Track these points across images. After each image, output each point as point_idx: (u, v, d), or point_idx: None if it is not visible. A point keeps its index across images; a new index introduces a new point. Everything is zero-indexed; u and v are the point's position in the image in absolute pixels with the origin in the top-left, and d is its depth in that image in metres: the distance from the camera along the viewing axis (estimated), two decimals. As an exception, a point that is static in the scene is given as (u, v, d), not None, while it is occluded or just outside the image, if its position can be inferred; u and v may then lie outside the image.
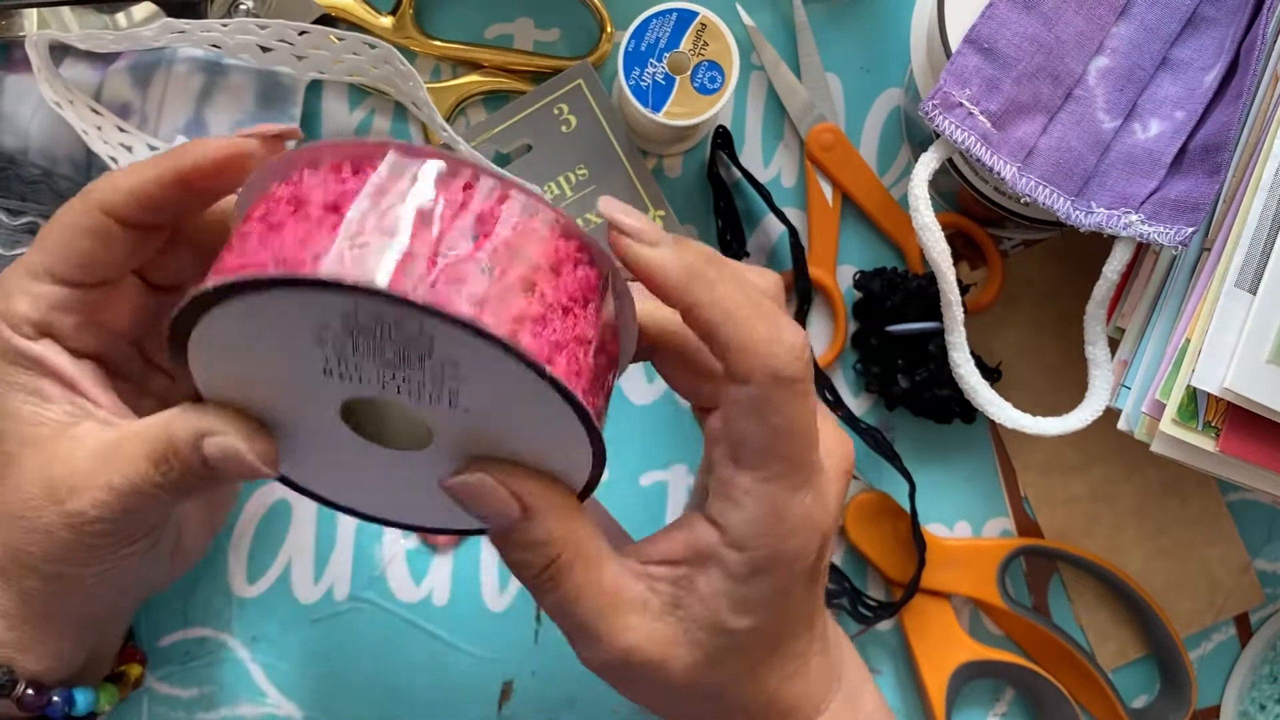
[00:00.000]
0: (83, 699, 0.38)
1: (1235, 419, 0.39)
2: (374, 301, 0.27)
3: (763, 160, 0.50)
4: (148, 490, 0.32)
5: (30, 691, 0.36)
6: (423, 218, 0.28)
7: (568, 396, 0.28)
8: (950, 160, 0.44)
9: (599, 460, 0.31)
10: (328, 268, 0.27)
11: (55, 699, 0.36)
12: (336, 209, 0.28)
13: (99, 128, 0.44)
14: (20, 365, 0.33)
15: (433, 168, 0.28)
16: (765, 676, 0.34)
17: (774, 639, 0.34)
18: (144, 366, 0.38)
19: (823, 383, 0.48)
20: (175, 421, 0.32)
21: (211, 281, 0.28)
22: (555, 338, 0.28)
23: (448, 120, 0.48)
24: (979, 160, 0.41)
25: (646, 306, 0.33)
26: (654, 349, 0.34)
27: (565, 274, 0.29)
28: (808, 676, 0.35)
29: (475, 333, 0.27)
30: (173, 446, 0.31)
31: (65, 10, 0.46)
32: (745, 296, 0.30)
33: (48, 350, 0.33)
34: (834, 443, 0.35)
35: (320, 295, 0.27)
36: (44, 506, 0.33)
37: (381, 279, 0.27)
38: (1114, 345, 0.43)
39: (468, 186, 0.29)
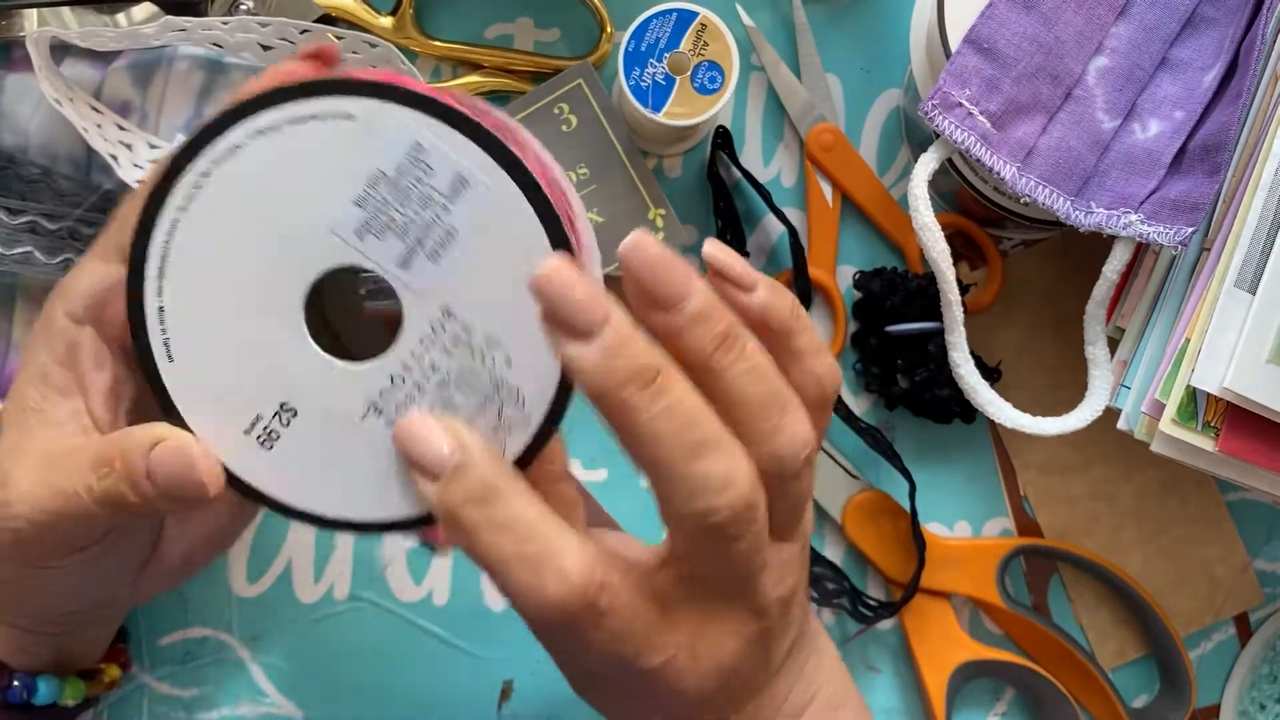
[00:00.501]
0: (45, 687, 0.37)
1: (1235, 419, 0.39)
2: (448, 128, 0.27)
3: (763, 160, 0.50)
4: (81, 499, 0.31)
5: None
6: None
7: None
8: (950, 160, 0.44)
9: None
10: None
11: (15, 683, 0.36)
12: None
13: (99, 126, 0.44)
14: (51, 345, 0.33)
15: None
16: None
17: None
18: None
19: (823, 382, 0.48)
20: (130, 431, 0.30)
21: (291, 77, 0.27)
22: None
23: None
24: (979, 160, 0.41)
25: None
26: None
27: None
28: (763, 698, 0.33)
29: (512, 166, 0.27)
30: (117, 450, 0.30)
31: (65, 11, 0.46)
32: (668, 422, 0.26)
33: (83, 338, 0.33)
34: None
35: (423, 115, 0.27)
36: None
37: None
38: (1114, 345, 0.43)
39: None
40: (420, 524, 0.31)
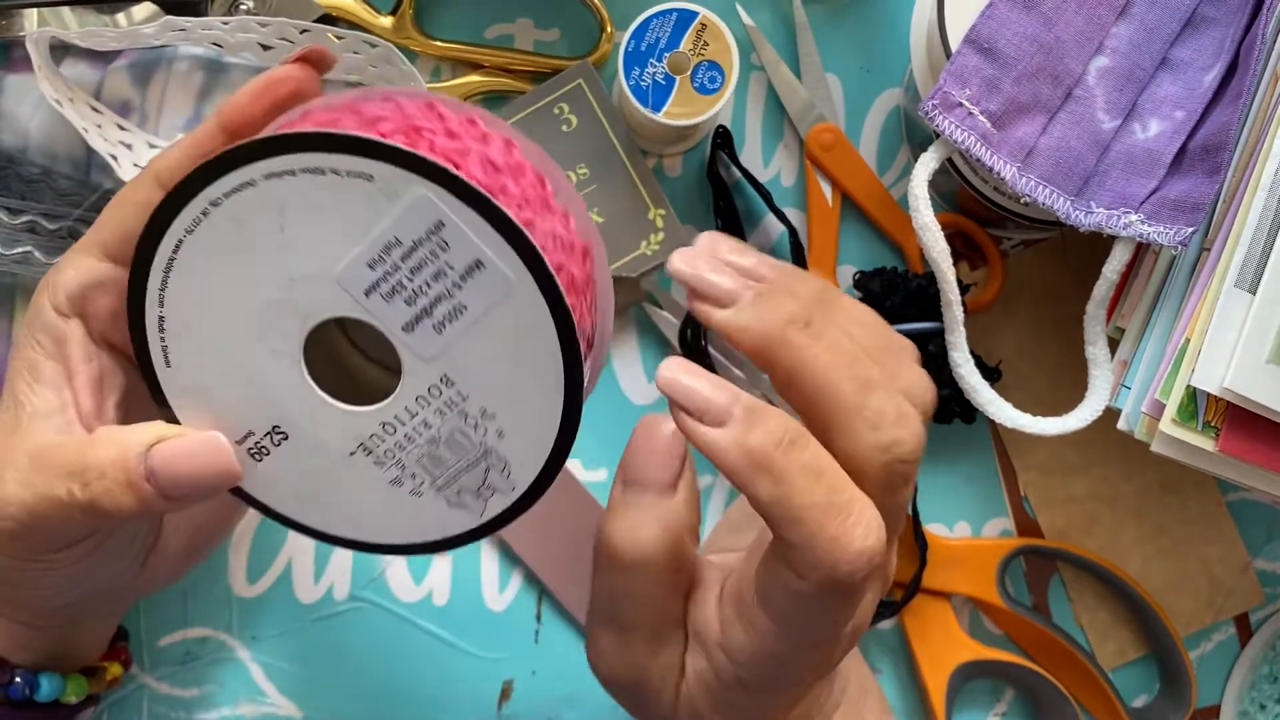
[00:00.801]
0: (47, 684, 0.37)
1: (1235, 419, 0.39)
2: (462, 204, 0.27)
3: (763, 160, 0.50)
4: (61, 500, 0.30)
5: None
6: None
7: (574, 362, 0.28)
8: (950, 160, 0.44)
9: (571, 421, 0.29)
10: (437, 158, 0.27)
11: (17, 679, 0.36)
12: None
13: (99, 126, 0.44)
14: (38, 338, 0.33)
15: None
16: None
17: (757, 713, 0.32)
18: None
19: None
20: (120, 430, 0.30)
21: (302, 126, 0.27)
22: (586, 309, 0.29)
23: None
24: (979, 160, 0.41)
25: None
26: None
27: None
28: (805, 702, 0.34)
29: (532, 261, 0.27)
30: (108, 456, 0.30)
31: (65, 11, 0.46)
32: (812, 493, 0.26)
33: (71, 331, 0.32)
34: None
35: (447, 194, 0.27)
36: None
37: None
38: (1114, 345, 0.43)
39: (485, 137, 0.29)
40: (397, 551, 0.31)
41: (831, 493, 0.26)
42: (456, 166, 0.28)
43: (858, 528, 0.26)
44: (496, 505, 0.30)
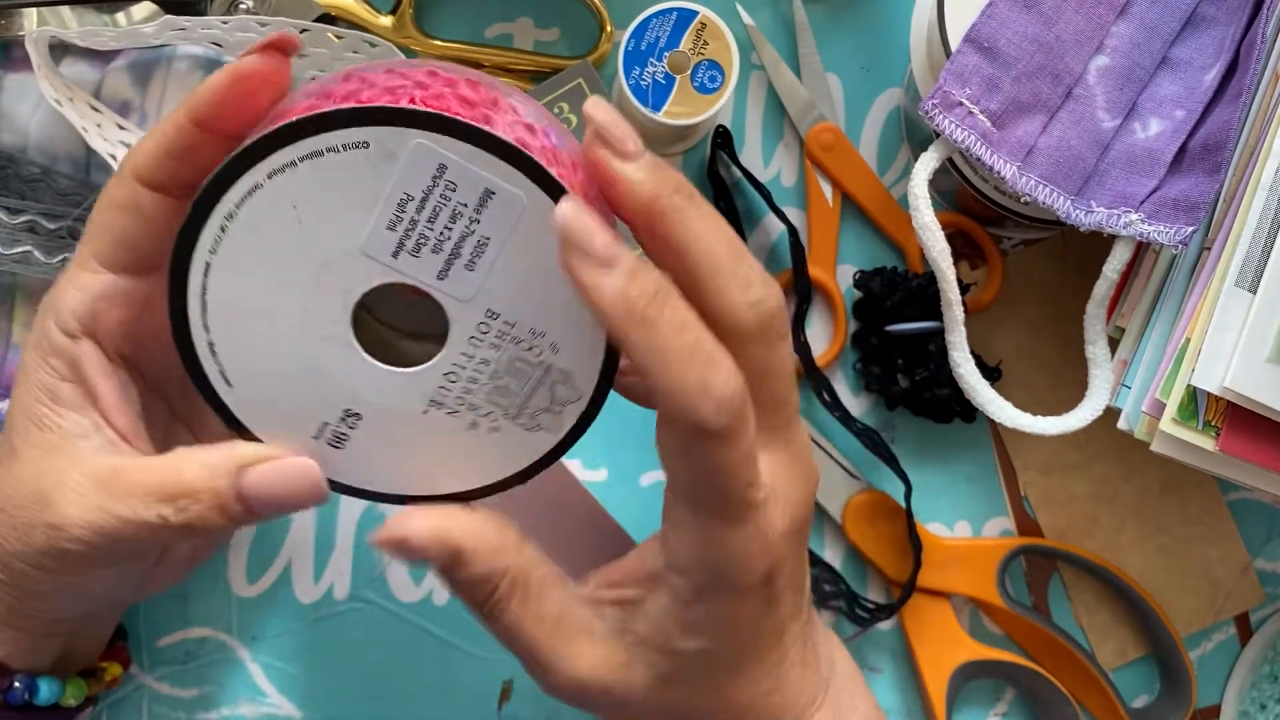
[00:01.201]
0: (46, 688, 0.37)
1: (1235, 418, 0.39)
2: (479, 149, 0.28)
3: (763, 160, 0.50)
4: (151, 524, 0.31)
5: None
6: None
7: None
8: (950, 160, 0.44)
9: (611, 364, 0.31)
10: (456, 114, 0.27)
11: (16, 684, 0.36)
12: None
13: (99, 125, 0.44)
14: (51, 363, 0.33)
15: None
16: (734, 694, 0.34)
17: (733, 658, 0.33)
18: (182, 395, 0.37)
19: (822, 383, 0.48)
20: (203, 453, 0.31)
21: (309, 109, 0.27)
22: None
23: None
24: (979, 160, 0.41)
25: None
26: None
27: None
28: (784, 689, 0.35)
29: (537, 175, 0.28)
30: (199, 481, 0.31)
31: (65, 10, 0.46)
32: (677, 339, 0.28)
33: (83, 353, 0.32)
34: (785, 479, 0.33)
35: (440, 136, 0.27)
36: (29, 510, 0.32)
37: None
38: (1114, 345, 0.43)
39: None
40: (497, 489, 0.33)
41: (696, 344, 0.28)
42: (440, 110, 0.28)
43: (719, 375, 0.28)
44: (571, 415, 0.32)
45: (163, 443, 0.36)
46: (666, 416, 0.29)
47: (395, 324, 0.34)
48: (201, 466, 0.31)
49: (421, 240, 0.29)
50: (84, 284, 0.32)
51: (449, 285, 0.30)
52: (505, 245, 0.29)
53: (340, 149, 0.28)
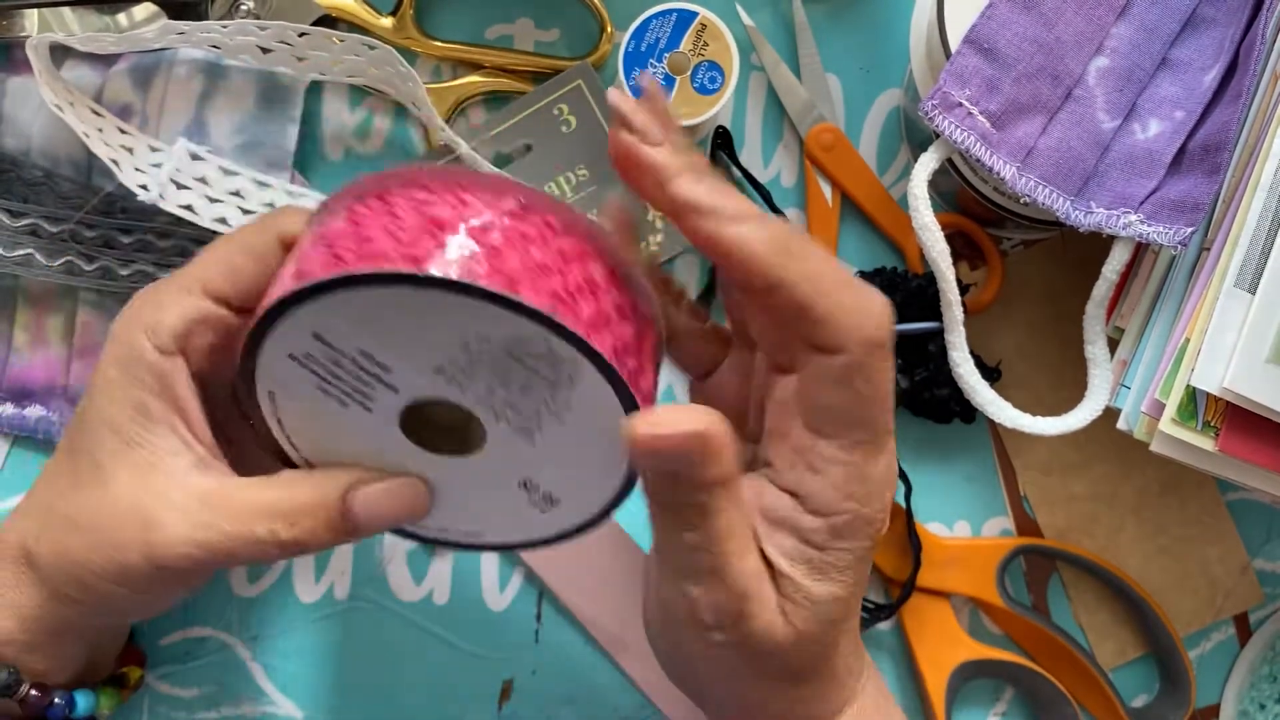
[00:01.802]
0: (84, 701, 0.38)
1: (1234, 418, 0.39)
2: (561, 340, 0.29)
3: (762, 160, 0.50)
4: (260, 540, 0.32)
5: (34, 692, 0.36)
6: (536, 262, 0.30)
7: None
8: (950, 160, 0.44)
9: (628, 487, 0.33)
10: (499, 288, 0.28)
11: (57, 700, 0.37)
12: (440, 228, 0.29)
13: (100, 129, 0.44)
14: (143, 379, 0.33)
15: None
16: (835, 649, 0.33)
17: (850, 606, 0.33)
18: (222, 409, 0.38)
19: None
20: (311, 476, 0.33)
21: (363, 268, 0.28)
22: (649, 387, 0.32)
23: (448, 121, 0.48)
24: (978, 160, 0.41)
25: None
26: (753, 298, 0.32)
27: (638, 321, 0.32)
28: (856, 650, 0.35)
29: (617, 387, 0.29)
30: (310, 500, 0.32)
31: (66, 11, 0.46)
32: (829, 267, 0.30)
33: (174, 370, 0.34)
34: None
35: (515, 319, 0.28)
36: (128, 530, 0.33)
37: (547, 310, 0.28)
38: (1113, 345, 0.43)
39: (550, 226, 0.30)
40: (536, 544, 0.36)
41: (837, 270, 0.30)
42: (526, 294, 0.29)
43: (871, 294, 0.30)
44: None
45: None
46: (831, 346, 0.30)
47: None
48: (311, 486, 0.33)
49: (467, 382, 0.30)
50: (187, 305, 0.34)
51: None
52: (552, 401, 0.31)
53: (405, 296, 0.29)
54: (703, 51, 0.45)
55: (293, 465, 0.34)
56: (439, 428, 0.33)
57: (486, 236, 0.29)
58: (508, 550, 0.36)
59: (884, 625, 0.49)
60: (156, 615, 0.42)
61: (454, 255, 0.28)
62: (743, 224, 0.29)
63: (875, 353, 0.30)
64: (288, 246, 0.34)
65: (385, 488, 0.33)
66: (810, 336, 0.30)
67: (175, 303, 0.34)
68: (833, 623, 0.33)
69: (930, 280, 0.47)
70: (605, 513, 0.34)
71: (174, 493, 0.33)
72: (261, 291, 0.33)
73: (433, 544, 0.36)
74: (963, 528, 0.50)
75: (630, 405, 0.30)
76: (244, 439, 0.36)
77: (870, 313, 0.30)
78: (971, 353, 0.44)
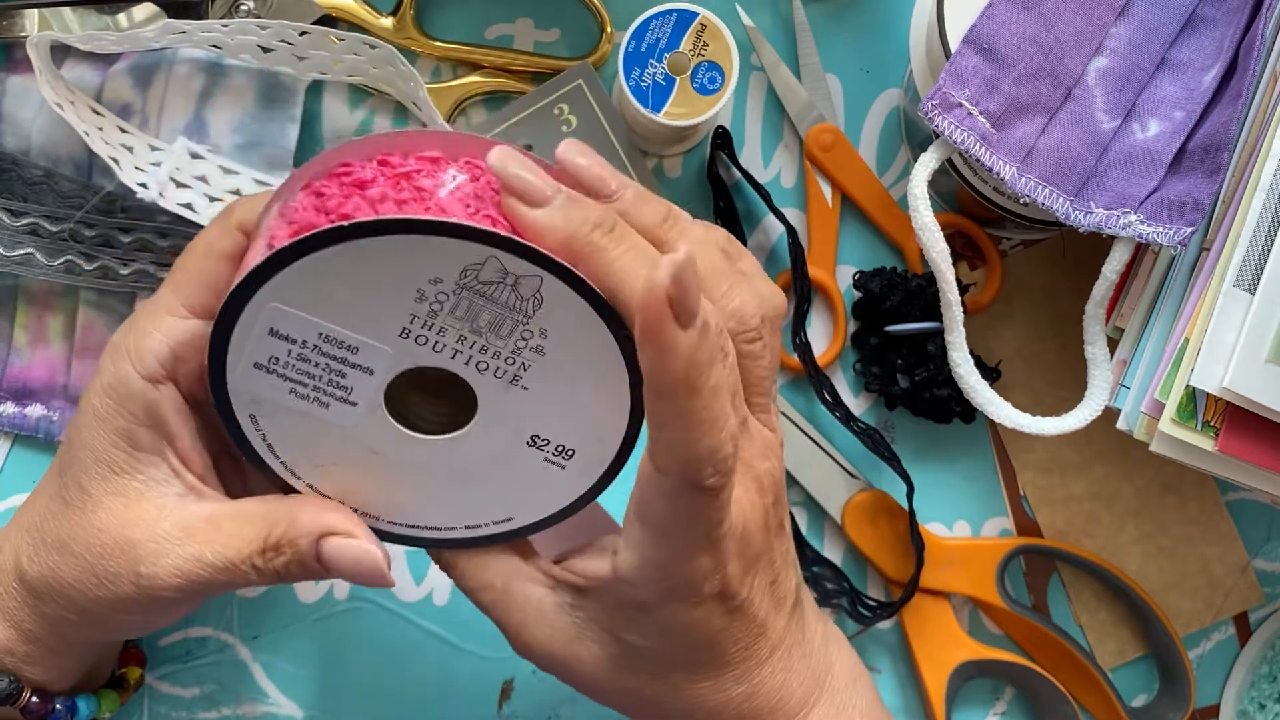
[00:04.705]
0: (85, 706, 0.38)
1: (1234, 418, 0.39)
2: (512, 255, 0.28)
3: (762, 160, 0.50)
4: (243, 572, 0.32)
5: (35, 700, 0.36)
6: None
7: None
8: (950, 160, 0.44)
9: (635, 429, 0.32)
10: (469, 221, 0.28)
11: (59, 707, 0.37)
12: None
13: (100, 129, 0.44)
14: (130, 409, 0.33)
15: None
16: (696, 695, 0.34)
17: (687, 662, 0.33)
18: None
19: (823, 383, 0.48)
20: (293, 511, 0.32)
21: (292, 239, 0.28)
22: None
23: (448, 121, 0.48)
24: (978, 160, 0.41)
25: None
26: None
27: None
28: (764, 694, 0.34)
29: (582, 290, 0.29)
30: (287, 537, 0.32)
31: (66, 10, 0.46)
32: (714, 404, 0.28)
33: (162, 398, 0.33)
34: (757, 456, 0.33)
35: (458, 243, 0.28)
36: (116, 559, 0.33)
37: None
38: (1113, 345, 0.43)
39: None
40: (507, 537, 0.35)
41: (722, 410, 0.29)
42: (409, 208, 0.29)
43: (727, 440, 0.29)
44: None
45: (216, 472, 0.36)
46: (660, 464, 0.29)
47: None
48: (290, 525, 0.32)
49: (439, 336, 0.30)
50: (169, 329, 0.33)
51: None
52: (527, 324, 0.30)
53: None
54: (703, 51, 0.45)
55: (291, 490, 0.34)
56: (431, 413, 0.33)
57: (410, 181, 0.29)
58: (547, 527, 0.34)
59: (884, 625, 0.49)
60: (157, 630, 0.42)
61: (378, 198, 0.29)
62: (678, 332, 0.27)
63: (701, 495, 0.29)
64: (246, 232, 0.33)
65: (351, 546, 0.32)
66: (649, 447, 0.30)
67: (157, 326, 0.33)
68: (658, 671, 0.34)
69: (930, 280, 0.47)
70: (626, 447, 0.33)
71: (161, 523, 0.32)
72: None
73: (477, 544, 0.35)
74: (963, 528, 0.50)
75: (602, 309, 0.30)
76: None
77: (711, 461, 0.29)
78: (971, 353, 0.44)
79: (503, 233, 0.28)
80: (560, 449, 0.33)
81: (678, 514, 0.30)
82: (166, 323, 0.33)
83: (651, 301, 0.26)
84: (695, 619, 0.32)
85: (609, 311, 0.30)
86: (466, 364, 0.30)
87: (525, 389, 0.31)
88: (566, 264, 0.29)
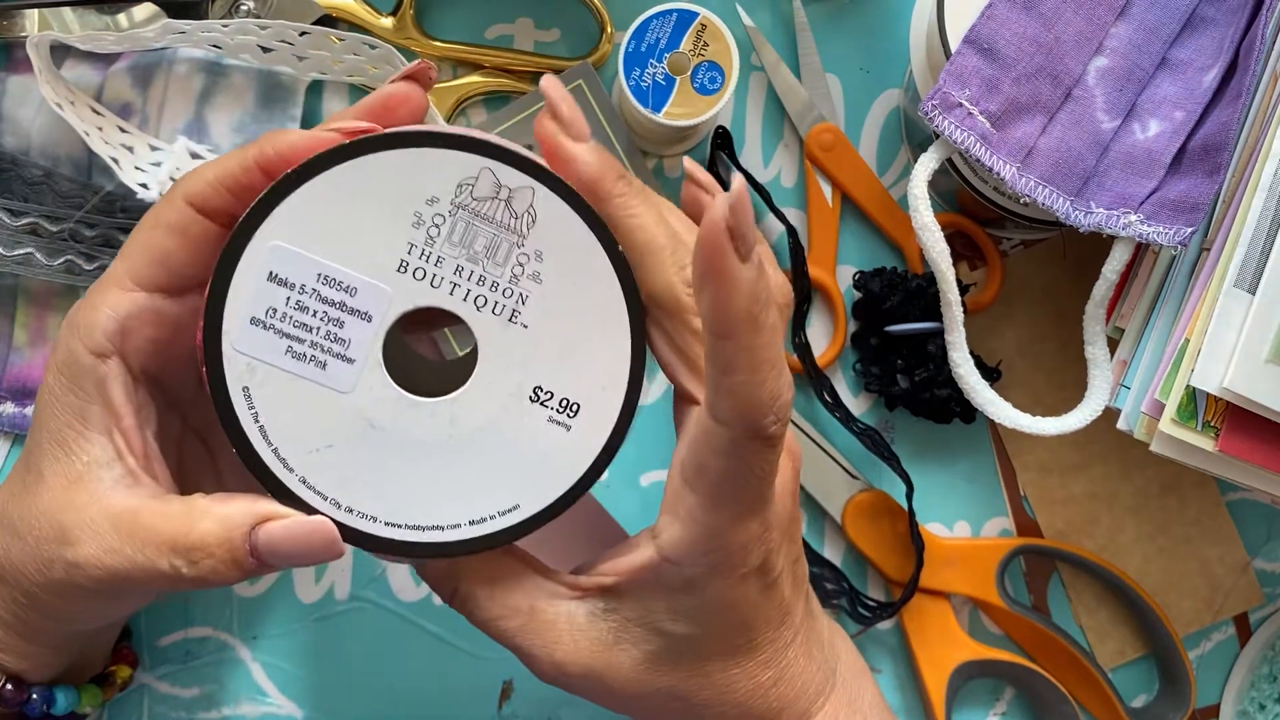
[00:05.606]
0: (63, 698, 0.37)
1: (1234, 419, 0.39)
2: (505, 165, 0.29)
3: (762, 160, 0.50)
4: (163, 572, 0.31)
5: (9, 687, 0.35)
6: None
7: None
8: (950, 160, 0.44)
9: (638, 373, 0.32)
10: (459, 130, 0.29)
11: (34, 696, 0.36)
12: None
13: (100, 128, 0.44)
14: (82, 384, 0.32)
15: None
16: (729, 685, 0.34)
17: (725, 646, 0.33)
18: (195, 408, 0.37)
19: (823, 383, 0.48)
20: (219, 507, 0.31)
21: (287, 170, 0.29)
22: None
23: (448, 120, 0.48)
24: (978, 160, 0.41)
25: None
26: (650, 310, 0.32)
27: None
28: (786, 681, 0.35)
29: (576, 204, 0.29)
30: (213, 536, 0.31)
31: (66, 10, 0.46)
32: (773, 345, 0.28)
33: (108, 373, 0.32)
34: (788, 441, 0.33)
35: (452, 154, 0.29)
36: (50, 544, 0.32)
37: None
38: (1113, 345, 0.43)
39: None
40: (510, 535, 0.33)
41: (779, 355, 0.29)
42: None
43: (786, 386, 0.29)
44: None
45: (177, 457, 0.36)
46: (720, 417, 0.29)
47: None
48: (217, 521, 0.31)
49: (437, 267, 0.30)
50: (115, 302, 0.32)
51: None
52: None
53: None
54: (703, 52, 0.45)
55: (281, 486, 0.32)
56: (429, 373, 0.33)
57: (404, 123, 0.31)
58: (554, 516, 0.33)
59: (884, 625, 0.49)
60: (114, 622, 0.41)
61: (368, 126, 0.30)
62: (742, 267, 0.27)
63: (762, 443, 0.29)
64: (204, 212, 0.32)
65: (293, 524, 0.31)
66: (708, 396, 0.29)
67: (104, 300, 0.32)
68: (695, 661, 0.34)
69: (930, 280, 0.47)
70: (631, 396, 0.32)
71: (91, 509, 0.31)
72: (197, 265, 0.32)
73: (480, 546, 0.33)
74: (963, 528, 0.50)
75: (598, 228, 0.30)
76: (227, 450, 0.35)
77: (771, 407, 0.28)
78: (971, 353, 0.44)
79: (495, 140, 0.29)
80: (565, 403, 0.32)
81: (735, 471, 0.30)
82: (112, 295, 0.32)
83: (712, 234, 0.25)
84: (737, 596, 0.32)
85: (601, 226, 0.30)
86: (465, 299, 0.30)
87: (525, 327, 0.31)
88: (550, 169, 0.29)
